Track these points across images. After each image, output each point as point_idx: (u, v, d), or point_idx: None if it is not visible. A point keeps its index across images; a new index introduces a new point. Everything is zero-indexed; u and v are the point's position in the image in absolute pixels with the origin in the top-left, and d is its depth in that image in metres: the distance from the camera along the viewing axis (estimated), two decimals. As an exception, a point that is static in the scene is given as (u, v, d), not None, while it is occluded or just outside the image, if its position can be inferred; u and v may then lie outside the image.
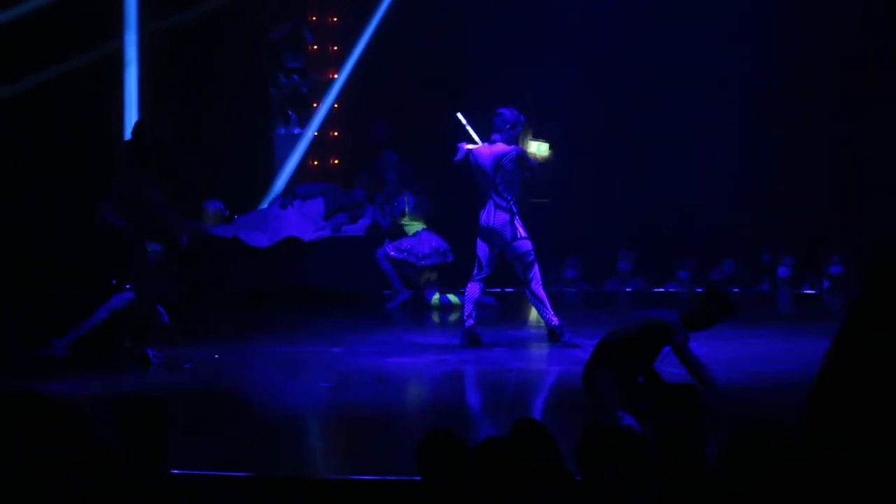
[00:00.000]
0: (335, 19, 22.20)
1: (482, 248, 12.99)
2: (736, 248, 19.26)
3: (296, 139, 21.05)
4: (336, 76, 21.45)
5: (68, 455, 5.54)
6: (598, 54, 19.88)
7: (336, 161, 22.06)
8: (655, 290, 18.89)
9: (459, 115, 13.66)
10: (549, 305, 12.87)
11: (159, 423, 5.73)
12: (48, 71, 18.00)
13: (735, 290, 18.79)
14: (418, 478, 5.66)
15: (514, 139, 13.15)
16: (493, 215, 12.88)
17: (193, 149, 19.51)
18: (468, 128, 13.58)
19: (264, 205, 19.69)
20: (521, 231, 12.89)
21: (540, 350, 13.08)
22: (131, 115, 18.99)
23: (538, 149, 22.89)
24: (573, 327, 12.97)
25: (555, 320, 12.84)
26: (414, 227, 17.39)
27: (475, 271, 13.02)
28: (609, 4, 19.77)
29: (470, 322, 12.88)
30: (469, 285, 13.03)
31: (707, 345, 12.67)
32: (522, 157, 13.02)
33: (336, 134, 21.94)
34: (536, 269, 12.87)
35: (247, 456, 8.02)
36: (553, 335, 12.87)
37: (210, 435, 8.83)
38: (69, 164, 17.17)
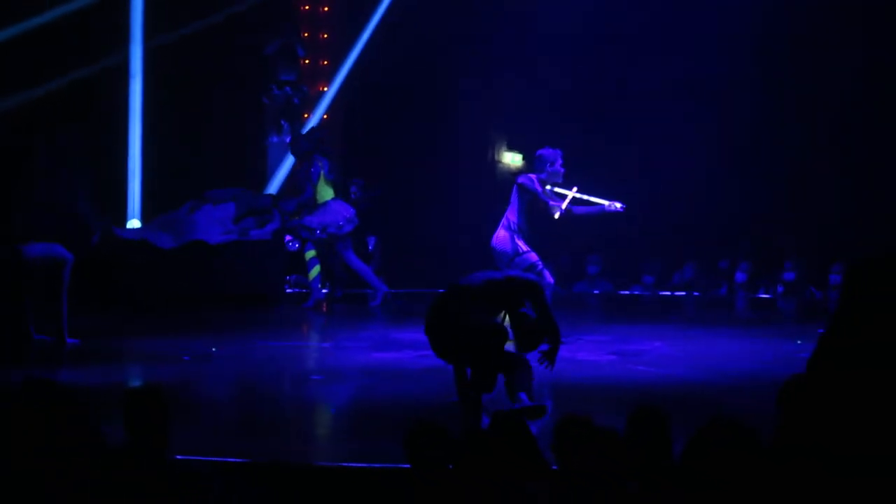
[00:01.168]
0: (325, 35, 22.26)
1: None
2: (697, 254, 19.31)
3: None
4: (326, 88, 21.51)
5: (79, 440, 5.57)
6: (572, 63, 19.92)
7: (325, 168, 22.12)
8: (622, 292, 18.95)
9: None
10: None
11: (163, 412, 5.76)
12: (57, 80, 18.07)
13: (695, 293, 18.89)
14: (406, 465, 5.69)
15: (555, 175, 13.02)
16: (496, 234, 12.92)
17: (192, 155, 19.58)
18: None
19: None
20: (523, 246, 12.87)
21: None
22: (136, 124, 19.04)
23: (512, 160, 22.95)
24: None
25: None
26: (326, 194, 17.20)
27: None
28: (589, 12, 19.79)
29: None
30: None
31: (672, 344, 12.81)
32: (521, 183, 12.98)
33: (325, 143, 21.98)
34: (547, 274, 12.90)
35: (244, 443, 8.03)
36: None
37: (210, 423, 8.85)
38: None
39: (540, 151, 13.11)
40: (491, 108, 21.40)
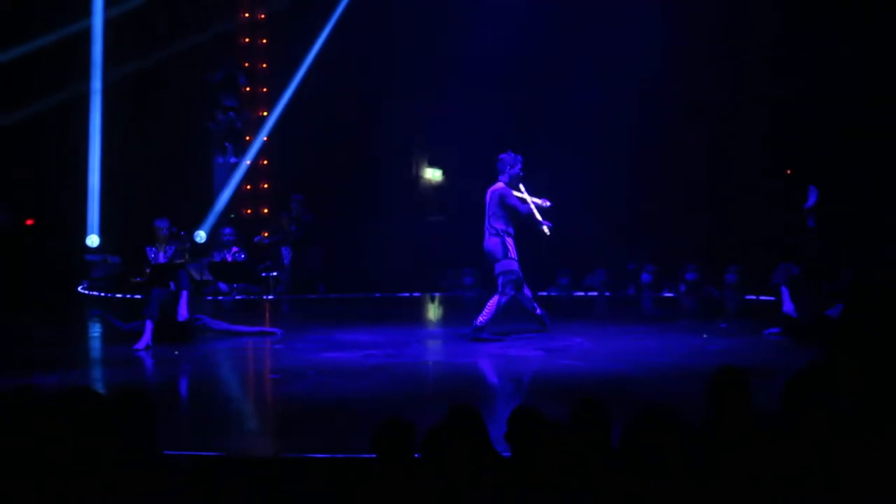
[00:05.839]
0: (265, 65, 22.19)
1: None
2: (608, 257, 19.37)
3: (232, 167, 21.03)
4: (266, 113, 21.46)
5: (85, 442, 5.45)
6: (488, 80, 19.93)
7: (266, 185, 22.06)
8: (539, 293, 18.97)
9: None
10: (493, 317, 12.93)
11: (151, 411, 5.69)
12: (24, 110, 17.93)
13: (606, 293, 18.97)
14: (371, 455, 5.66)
15: (516, 178, 13.08)
16: (488, 240, 12.93)
17: (146, 176, 19.51)
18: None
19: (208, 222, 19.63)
20: (513, 252, 12.95)
21: (448, 345, 13.11)
22: (96, 150, 18.92)
23: (433, 175, 22.99)
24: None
25: (481, 322, 12.89)
26: None
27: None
28: (503, 37, 19.82)
29: (540, 310, 13.32)
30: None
31: (592, 340, 12.85)
32: (502, 195, 12.92)
33: (266, 162, 21.93)
34: (510, 289, 12.95)
35: (217, 438, 7.95)
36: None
37: (186, 420, 8.78)
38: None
39: (501, 155, 13.12)
40: (413, 126, 21.42)
